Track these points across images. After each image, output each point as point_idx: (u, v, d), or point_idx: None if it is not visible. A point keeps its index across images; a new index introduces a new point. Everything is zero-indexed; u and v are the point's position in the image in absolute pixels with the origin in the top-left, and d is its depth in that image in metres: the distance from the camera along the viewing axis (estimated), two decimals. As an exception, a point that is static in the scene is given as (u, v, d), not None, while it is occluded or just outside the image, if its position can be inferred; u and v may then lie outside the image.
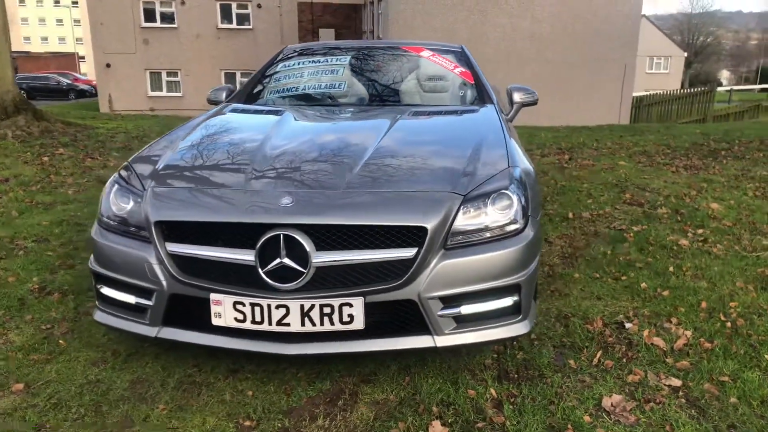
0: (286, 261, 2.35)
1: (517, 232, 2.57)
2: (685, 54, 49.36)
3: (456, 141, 3.09)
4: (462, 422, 2.35)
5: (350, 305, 2.38)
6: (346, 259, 2.37)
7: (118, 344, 2.97)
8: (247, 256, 2.38)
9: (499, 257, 2.50)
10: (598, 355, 2.82)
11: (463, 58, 4.30)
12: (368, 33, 28.03)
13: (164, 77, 26.89)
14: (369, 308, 2.39)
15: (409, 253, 2.39)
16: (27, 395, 2.55)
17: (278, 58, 4.44)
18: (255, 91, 4.15)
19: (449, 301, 2.46)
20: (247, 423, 2.37)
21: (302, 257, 2.34)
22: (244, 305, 2.39)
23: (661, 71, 45.66)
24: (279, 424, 2.36)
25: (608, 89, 21.59)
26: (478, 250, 2.48)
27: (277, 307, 2.37)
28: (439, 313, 2.45)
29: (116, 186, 2.78)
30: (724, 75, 67.12)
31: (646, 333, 2.99)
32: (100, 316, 2.75)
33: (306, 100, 4.01)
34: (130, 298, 2.62)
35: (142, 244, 2.57)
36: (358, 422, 2.38)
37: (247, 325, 2.41)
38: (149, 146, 3.14)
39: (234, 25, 26.83)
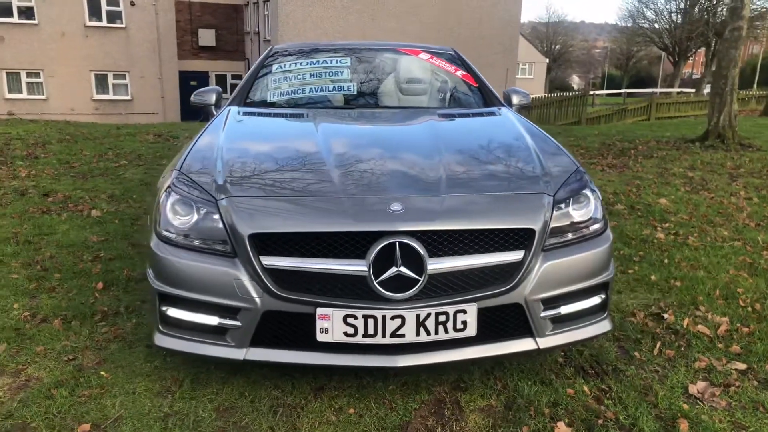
0: (403, 270, 2.25)
1: (600, 231, 2.65)
2: (547, 60, 52.76)
3: (510, 143, 3.12)
4: (580, 420, 2.37)
5: (464, 312, 2.33)
6: (460, 265, 2.32)
7: (174, 371, 2.71)
8: (358, 267, 2.26)
9: (592, 256, 2.55)
10: (658, 345, 2.96)
11: (459, 60, 4.33)
12: (252, 34, 27.41)
13: (24, 78, 24.61)
14: (481, 314, 2.36)
15: (517, 256, 2.39)
16: (103, 436, 2.26)
17: (270, 60, 4.24)
18: (256, 94, 3.94)
19: (550, 303, 2.47)
20: (367, 443, 2.26)
21: (417, 265, 2.26)
22: (356, 318, 2.27)
23: (527, 76, 48.50)
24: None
25: (491, 93, 22.58)
26: (573, 251, 2.52)
27: (393, 318, 2.27)
28: (541, 315, 2.46)
29: (174, 196, 2.53)
30: (575, 80, 72.29)
31: (686, 322, 3.18)
32: (163, 340, 2.49)
33: (320, 103, 3.86)
34: (209, 319, 2.40)
35: (223, 260, 2.37)
36: (473, 430, 2.33)
37: (358, 338, 2.29)
38: (187, 154, 2.87)
39: (104, 23, 25.07)
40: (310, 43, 4.61)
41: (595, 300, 2.60)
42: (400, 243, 2.25)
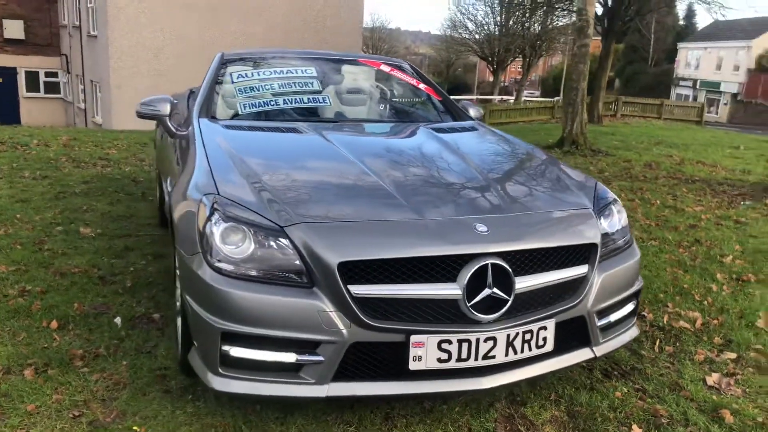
0: (495, 291, 2.24)
1: (631, 242, 2.83)
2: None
3: (528, 159, 3.21)
4: (645, 421, 2.52)
5: (545, 328, 2.37)
6: (540, 283, 2.36)
7: (217, 416, 2.45)
8: (451, 290, 2.21)
9: (631, 266, 2.72)
10: (658, 342, 3.22)
11: (415, 73, 4.35)
12: (71, 28, 25.06)
13: None
14: (557, 329, 2.41)
15: (583, 270, 2.48)
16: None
17: (225, 68, 3.94)
18: (219, 105, 3.65)
19: (603, 313, 2.60)
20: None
21: (505, 285, 2.27)
22: (450, 343, 2.22)
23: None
24: (497, 463, 2.26)
25: (337, 98, 22.77)
26: (617, 262, 2.67)
27: (486, 340, 2.25)
28: (598, 324, 2.58)
29: (223, 224, 2.28)
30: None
31: (665, 318, 3.49)
32: (224, 384, 2.25)
33: (299, 115, 3.67)
34: (284, 356, 2.21)
35: (300, 291, 2.20)
36: (552, 443, 2.39)
37: (452, 364, 2.24)
38: (212, 176, 2.58)
39: None
40: (257, 50, 4.36)
41: (630, 307, 2.77)
42: (492, 264, 2.23)
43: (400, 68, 4.31)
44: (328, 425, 2.42)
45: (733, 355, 3.11)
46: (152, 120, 3.92)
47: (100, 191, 6.40)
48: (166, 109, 3.67)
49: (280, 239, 2.23)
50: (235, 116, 3.59)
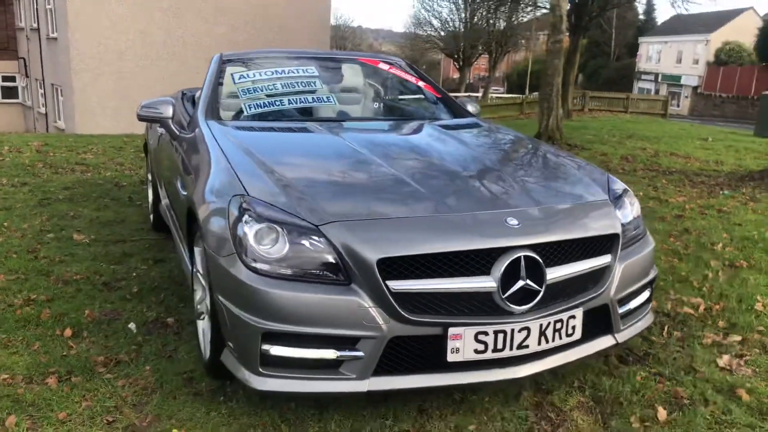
0: (528, 282, 2.30)
1: (645, 231, 2.92)
2: (341, 65, 54.23)
3: (534, 151, 3.28)
4: (668, 404, 2.60)
5: (574, 317, 2.44)
6: (569, 273, 2.43)
7: (252, 416, 2.47)
8: (487, 283, 2.27)
9: (647, 255, 2.82)
10: (666, 328, 3.33)
11: (412, 70, 4.39)
12: (29, 30, 24.50)
13: None
14: (584, 317, 2.48)
15: (607, 259, 2.56)
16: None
17: (225, 69, 3.93)
18: (223, 107, 3.65)
19: (623, 301, 2.68)
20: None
21: (537, 276, 2.33)
22: (486, 334, 2.27)
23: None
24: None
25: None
26: (635, 251, 2.75)
27: (520, 330, 2.31)
28: (619, 312, 2.66)
29: (257, 225, 2.30)
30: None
31: (669, 305, 3.60)
32: (265, 383, 2.27)
33: (305, 115, 3.69)
34: (325, 353, 2.24)
35: (338, 287, 2.23)
36: (587, 426, 2.45)
37: (488, 354, 2.29)
38: (237, 177, 2.59)
39: None
40: (254, 51, 4.36)
41: (646, 295, 2.86)
42: (525, 256, 2.29)
43: (399, 66, 4.35)
44: (365, 420, 2.45)
45: (739, 338, 3.23)
46: (154, 122, 3.90)
47: (84, 197, 6.30)
48: (169, 111, 3.66)
49: (316, 238, 2.25)
50: (241, 117, 3.59)
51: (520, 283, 2.29)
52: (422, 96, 4.21)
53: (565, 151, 3.36)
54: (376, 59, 4.37)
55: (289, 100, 3.74)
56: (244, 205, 2.36)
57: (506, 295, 2.27)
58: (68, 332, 3.18)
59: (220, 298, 2.37)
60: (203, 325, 2.82)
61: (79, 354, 2.96)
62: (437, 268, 2.25)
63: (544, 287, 2.33)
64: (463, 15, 38.76)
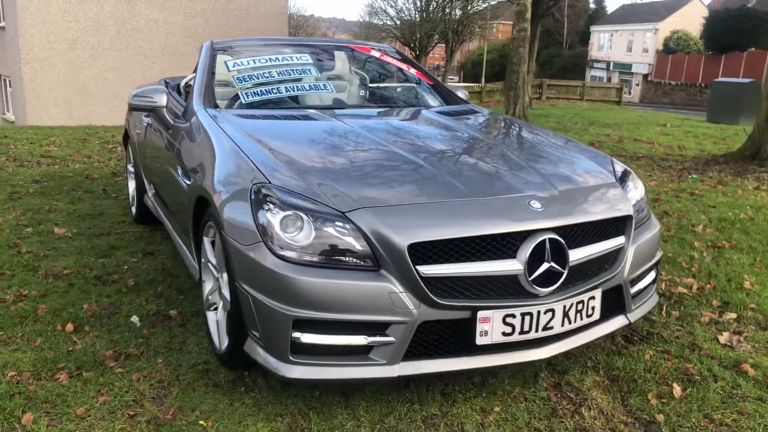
0: (553, 264, 2.34)
1: (650, 213, 3.00)
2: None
3: (538, 136, 3.32)
4: (683, 381, 2.69)
5: (593, 298, 2.50)
6: (589, 254, 2.48)
7: (278, 405, 2.45)
8: (513, 266, 2.30)
9: (655, 237, 2.90)
10: (665, 307, 3.43)
11: (403, 57, 4.39)
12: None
13: None
14: (602, 298, 2.54)
15: (621, 240, 2.62)
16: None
17: (216, 57, 3.86)
18: (219, 95, 3.58)
19: (634, 281, 2.75)
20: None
21: (561, 258, 2.37)
22: (514, 317, 2.31)
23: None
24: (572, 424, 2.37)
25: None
26: (644, 233, 2.83)
27: (545, 312, 2.35)
28: (631, 292, 2.73)
29: (282, 212, 2.28)
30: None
31: (664, 286, 3.71)
32: (295, 371, 2.26)
33: (302, 103, 3.65)
34: (355, 339, 2.24)
35: (368, 273, 2.23)
36: (607, 404, 2.52)
37: (515, 337, 2.33)
38: (254, 165, 2.55)
39: None
40: (244, 40, 4.30)
41: (653, 275, 2.94)
42: (550, 239, 2.33)
43: (390, 53, 4.35)
44: (391, 404, 2.46)
45: (734, 315, 3.35)
46: (146, 111, 3.81)
47: (56, 190, 6.11)
48: (163, 100, 3.59)
49: (342, 224, 2.25)
50: (236, 105, 3.54)
51: (546, 266, 2.33)
52: (415, 83, 4.21)
53: (569, 138, 3.41)
54: (367, 47, 4.35)
55: (286, 87, 3.70)
56: (267, 193, 2.34)
57: (532, 277, 2.31)
58: (69, 327, 3.09)
59: (244, 286, 2.34)
60: (216, 316, 2.78)
61: (86, 349, 2.89)
62: (465, 252, 2.27)
63: (567, 269, 2.38)
64: (418, 4, 38.84)
